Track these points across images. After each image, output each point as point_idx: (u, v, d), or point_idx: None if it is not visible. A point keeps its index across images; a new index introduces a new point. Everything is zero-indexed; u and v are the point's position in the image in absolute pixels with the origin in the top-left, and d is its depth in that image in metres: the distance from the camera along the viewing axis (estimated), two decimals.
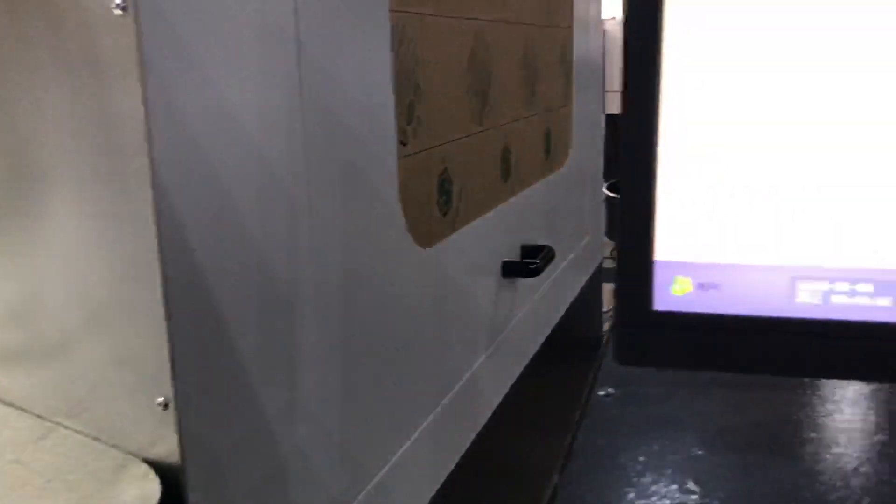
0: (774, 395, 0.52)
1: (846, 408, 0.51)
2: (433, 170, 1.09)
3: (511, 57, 1.27)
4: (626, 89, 0.43)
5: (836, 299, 0.43)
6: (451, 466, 1.05)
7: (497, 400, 1.17)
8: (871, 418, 0.49)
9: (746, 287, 0.43)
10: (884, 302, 0.42)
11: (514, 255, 1.28)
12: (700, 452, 0.45)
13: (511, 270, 1.21)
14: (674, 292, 0.44)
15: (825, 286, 0.43)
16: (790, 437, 0.47)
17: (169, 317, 0.64)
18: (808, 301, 0.43)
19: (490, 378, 1.19)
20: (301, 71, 0.80)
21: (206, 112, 0.67)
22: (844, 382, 0.50)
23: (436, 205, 1.11)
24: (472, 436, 1.11)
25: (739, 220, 0.43)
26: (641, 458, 0.45)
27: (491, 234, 1.24)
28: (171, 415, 0.65)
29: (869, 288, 0.42)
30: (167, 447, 0.67)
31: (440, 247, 1.10)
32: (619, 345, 0.44)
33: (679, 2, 0.43)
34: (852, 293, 0.42)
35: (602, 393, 0.52)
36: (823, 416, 0.50)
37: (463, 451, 1.09)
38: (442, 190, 1.10)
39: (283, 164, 0.79)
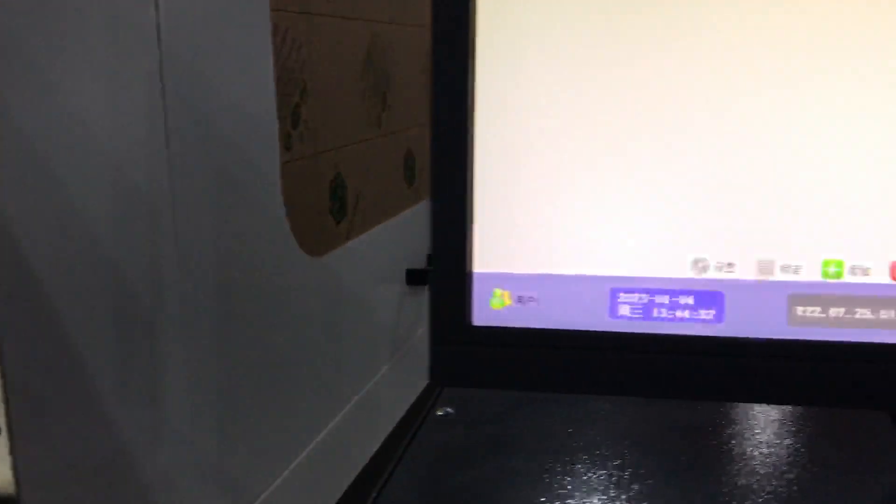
0: (622, 409, 0.50)
1: (696, 427, 0.48)
2: (324, 175, 1.05)
3: (413, 59, 1.24)
4: (435, 91, 0.41)
5: (656, 312, 0.40)
6: (345, 486, 1.02)
7: (401, 413, 1.14)
8: (722, 439, 0.47)
9: (566, 300, 0.41)
10: (706, 315, 0.40)
11: (421, 263, 1.25)
12: (529, 476, 0.43)
13: (416, 278, 1.18)
14: (492, 306, 0.42)
15: (645, 299, 0.40)
16: (630, 457, 0.45)
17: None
18: (628, 314, 0.41)
19: (391, 391, 1.16)
20: (164, 71, 0.76)
21: (44, 115, 0.63)
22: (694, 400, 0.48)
23: (328, 212, 1.08)
24: (371, 452, 1.08)
25: (558, 230, 0.41)
26: (464, 484, 0.42)
27: (394, 240, 1.21)
28: (3, 442, 0.61)
29: (689, 300, 0.40)
30: (0, 477, 0.62)
31: (334, 255, 1.06)
32: (436, 363, 0.41)
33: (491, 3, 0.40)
34: (673, 306, 0.40)
35: (440, 413, 0.49)
36: (670, 435, 0.48)
37: (360, 468, 1.05)
38: (335, 196, 1.07)
39: (142, 170, 0.74)
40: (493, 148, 0.41)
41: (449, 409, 0.50)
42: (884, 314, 0.39)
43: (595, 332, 0.41)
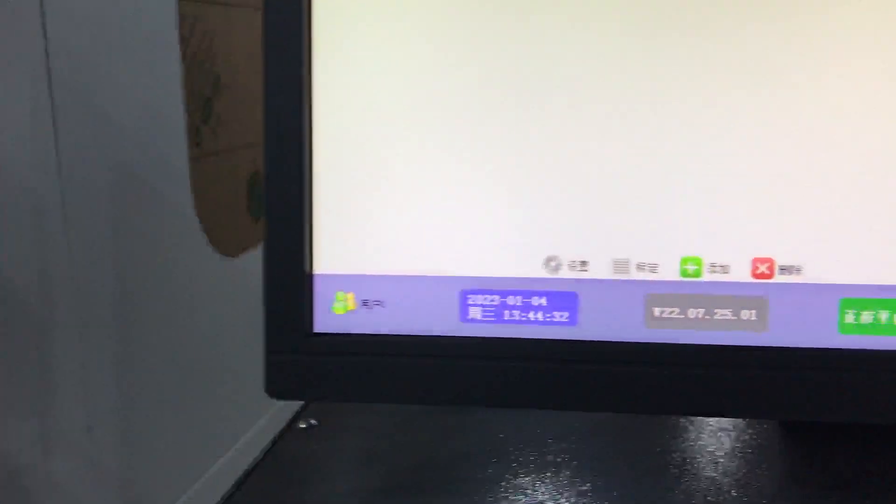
0: (496, 418, 0.47)
1: (575, 434, 0.46)
2: (241, 171, 1.02)
3: None
4: (268, 67, 0.37)
5: (508, 315, 0.38)
6: None
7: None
8: (605, 447, 0.44)
9: (414, 303, 0.38)
10: (560, 317, 0.37)
11: None
12: (383, 494, 0.40)
13: None
14: (335, 311, 0.39)
15: (496, 300, 0.38)
16: (498, 470, 0.42)
17: None
18: (480, 317, 0.38)
19: None
20: (50, 63, 0.72)
21: None
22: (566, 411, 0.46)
23: (246, 210, 1.04)
24: None
25: (405, 227, 0.38)
26: (310, 502, 0.39)
27: None
28: None
29: (542, 301, 0.37)
30: None
31: (251, 255, 1.03)
32: (272, 374, 0.38)
33: None
34: (525, 308, 0.37)
35: (303, 425, 0.46)
36: (545, 444, 0.45)
37: None
38: (253, 193, 1.03)
39: (27, 169, 0.70)
40: (334, 140, 0.38)
41: (313, 421, 0.47)
42: (745, 315, 0.36)
43: (445, 337, 0.38)
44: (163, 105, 0.86)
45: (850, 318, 0.35)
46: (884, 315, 0.35)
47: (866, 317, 0.35)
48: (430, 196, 0.37)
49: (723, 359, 0.36)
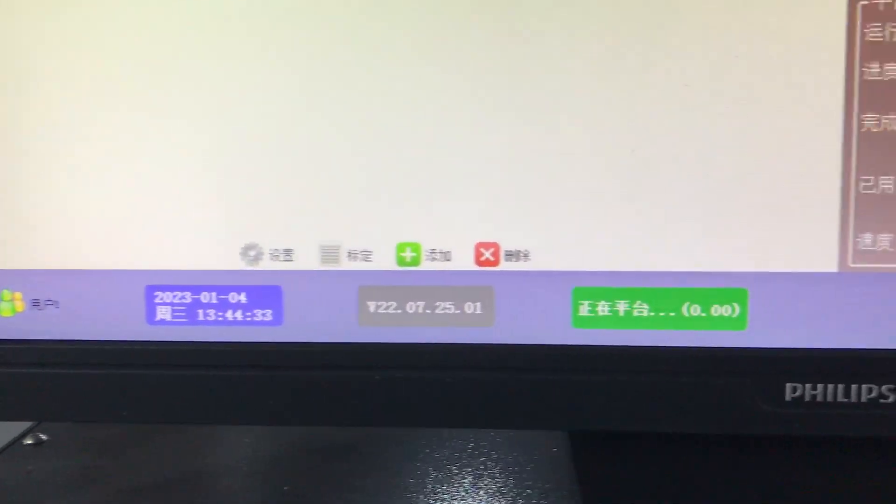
0: (245, 430, 0.42)
1: (335, 448, 0.41)
2: None
3: None
4: None
5: (203, 315, 0.32)
6: None
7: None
8: (351, 462, 0.39)
9: (94, 303, 0.32)
10: (262, 316, 0.32)
11: None
12: None
13: None
14: (1, 313, 0.33)
15: (188, 298, 0.32)
16: (225, 494, 0.36)
17: None
18: (169, 318, 0.32)
19: None
20: None
21: None
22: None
23: None
24: None
25: (80, 213, 0.32)
26: None
27: None
28: None
29: (242, 298, 0.32)
30: None
31: None
32: None
33: None
34: (222, 306, 0.32)
35: (29, 442, 0.40)
36: (297, 461, 0.40)
37: None
38: None
39: None
40: None
41: (42, 436, 0.41)
42: (469, 308, 0.31)
43: (129, 342, 0.32)
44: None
45: (584, 309, 0.31)
46: (621, 306, 0.31)
47: (602, 308, 0.31)
48: (105, 174, 0.31)
49: (444, 359, 0.31)
